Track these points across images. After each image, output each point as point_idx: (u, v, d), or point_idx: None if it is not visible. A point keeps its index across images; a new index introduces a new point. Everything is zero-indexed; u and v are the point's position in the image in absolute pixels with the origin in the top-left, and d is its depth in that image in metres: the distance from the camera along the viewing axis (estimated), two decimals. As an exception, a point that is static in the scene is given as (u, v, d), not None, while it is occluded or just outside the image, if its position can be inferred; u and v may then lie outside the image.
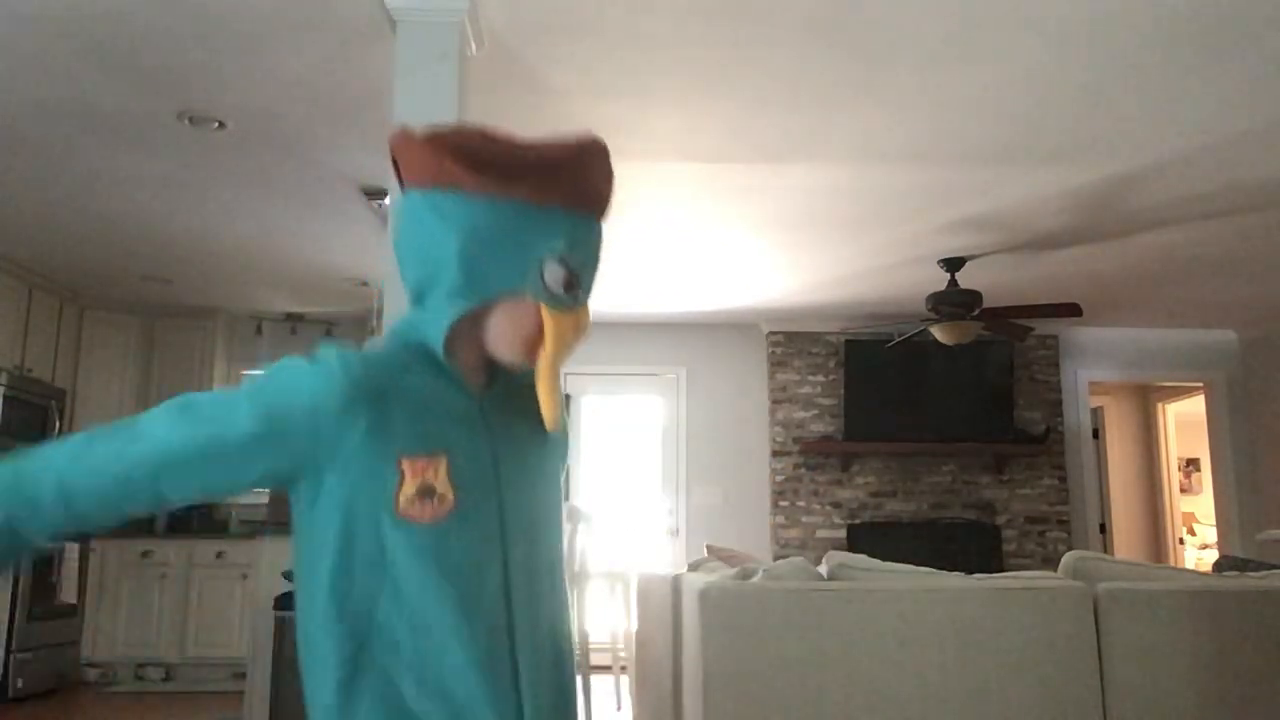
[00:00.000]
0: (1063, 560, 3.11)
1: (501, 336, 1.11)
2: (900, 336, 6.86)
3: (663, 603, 3.80)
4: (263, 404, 1.02)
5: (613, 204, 1.18)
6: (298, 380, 1.02)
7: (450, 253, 1.07)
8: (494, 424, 1.13)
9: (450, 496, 1.05)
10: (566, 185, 1.10)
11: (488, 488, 1.10)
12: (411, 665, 1.03)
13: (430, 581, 1.03)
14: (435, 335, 1.08)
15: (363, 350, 1.07)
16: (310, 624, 1.07)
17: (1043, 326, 7.39)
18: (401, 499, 1.04)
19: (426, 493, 1.04)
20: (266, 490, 4.35)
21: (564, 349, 1.10)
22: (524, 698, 1.08)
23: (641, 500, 7.41)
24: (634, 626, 5.20)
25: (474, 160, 1.07)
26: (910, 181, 4.69)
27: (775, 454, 7.31)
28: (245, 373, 7.46)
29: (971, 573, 3.05)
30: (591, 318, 1.15)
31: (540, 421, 1.14)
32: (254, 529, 4.07)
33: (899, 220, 5.23)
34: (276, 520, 3.94)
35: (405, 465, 1.04)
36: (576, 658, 1.17)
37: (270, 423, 1.01)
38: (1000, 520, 7.28)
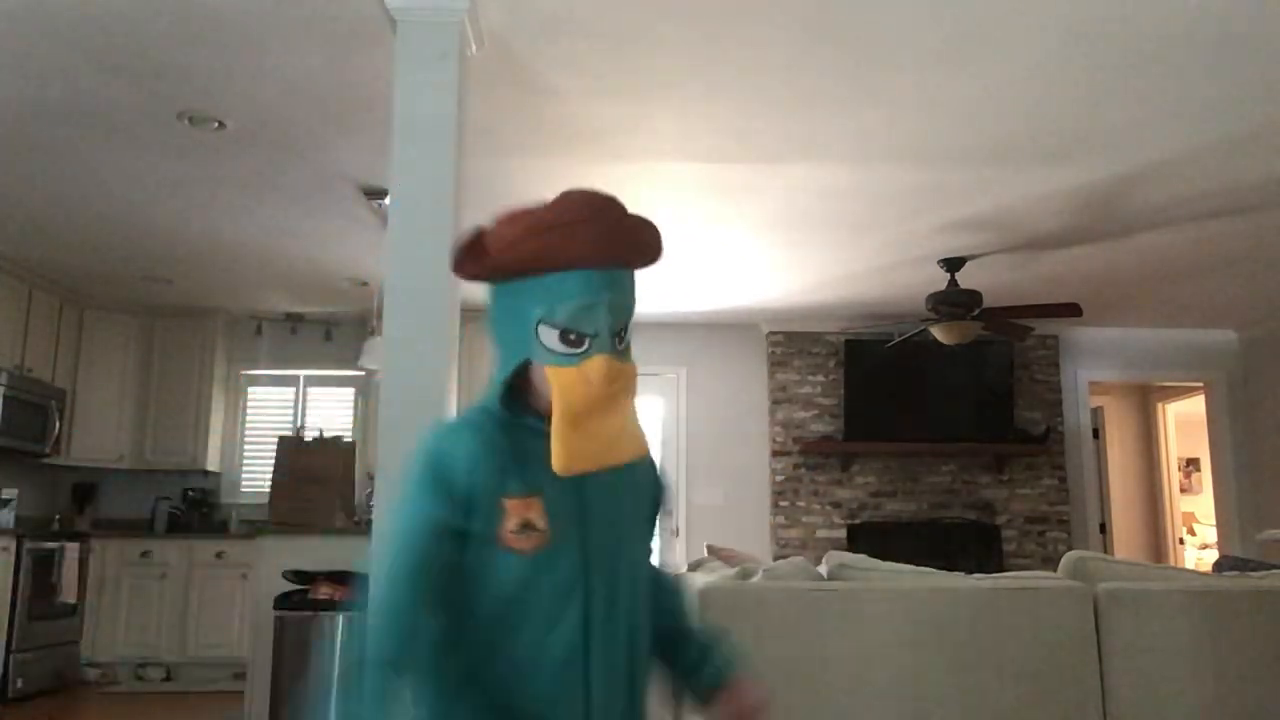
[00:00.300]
0: (1063, 560, 3.11)
1: (541, 398, 1.27)
2: (900, 336, 6.86)
3: (663, 603, 3.79)
4: (433, 490, 1.24)
5: (637, 245, 1.28)
6: (446, 458, 1.25)
7: (489, 334, 1.32)
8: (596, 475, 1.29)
9: (545, 530, 1.24)
10: (568, 249, 1.22)
11: (575, 525, 1.27)
12: (499, 675, 1.25)
13: (524, 602, 1.24)
14: (493, 402, 1.30)
15: (471, 419, 1.29)
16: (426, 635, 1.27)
17: (1043, 326, 7.39)
18: (507, 534, 1.23)
19: (526, 527, 1.24)
20: (267, 490, 4.35)
21: (577, 399, 1.22)
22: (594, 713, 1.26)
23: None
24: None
25: (478, 255, 1.26)
26: (910, 181, 4.69)
27: (775, 454, 7.31)
28: (244, 373, 7.47)
29: (971, 573, 3.05)
30: (631, 368, 1.29)
31: (635, 466, 1.32)
32: (254, 529, 4.07)
33: (899, 220, 5.23)
34: (276, 520, 3.94)
35: (508, 504, 1.23)
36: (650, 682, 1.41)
37: (449, 502, 1.23)
38: (1000, 520, 7.28)
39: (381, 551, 1.26)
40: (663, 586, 1.45)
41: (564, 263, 1.22)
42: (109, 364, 6.94)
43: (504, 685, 1.24)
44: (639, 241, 1.27)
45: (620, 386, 1.24)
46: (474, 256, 1.27)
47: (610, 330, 1.24)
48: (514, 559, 1.24)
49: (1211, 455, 7.76)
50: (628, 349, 1.28)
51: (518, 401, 1.30)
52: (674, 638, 1.44)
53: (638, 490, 1.37)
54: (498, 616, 1.25)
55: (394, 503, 1.30)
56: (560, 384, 1.23)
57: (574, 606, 1.25)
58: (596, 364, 1.22)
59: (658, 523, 1.43)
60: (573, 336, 1.23)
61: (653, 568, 1.42)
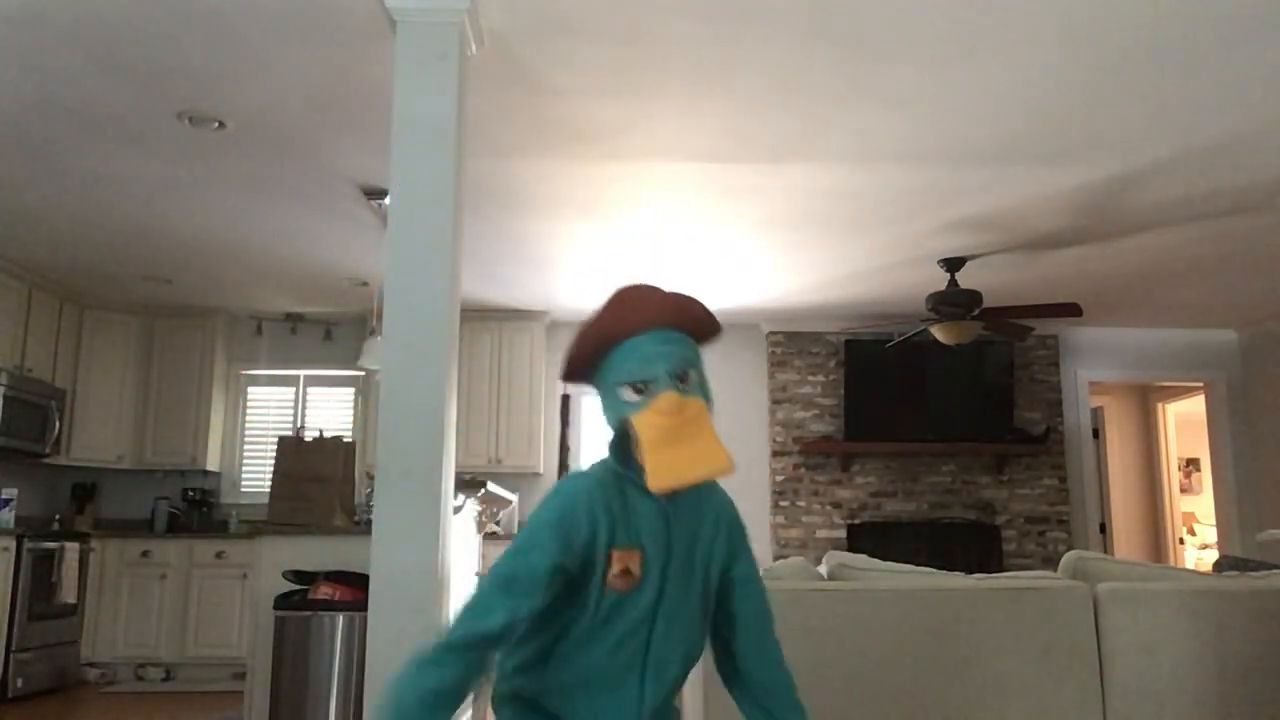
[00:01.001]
0: (1063, 560, 3.11)
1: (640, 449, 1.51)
2: (900, 336, 6.86)
3: (663, 603, 3.79)
4: (557, 535, 1.49)
5: (679, 309, 1.57)
6: (574, 516, 1.50)
7: (603, 418, 1.61)
8: (674, 523, 1.58)
9: (639, 574, 1.53)
10: (622, 326, 1.54)
11: (659, 569, 1.56)
12: (563, 683, 1.55)
13: (605, 631, 1.53)
14: (611, 460, 1.59)
15: (597, 477, 1.56)
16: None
17: (1043, 326, 7.39)
18: (610, 576, 1.52)
19: (625, 573, 1.52)
20: (267, 490, 4.35)
21: (652, 429, 1.48)
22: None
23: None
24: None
25: (570, 362, 1.60)
26: (910, 181, 4.69)
27: (775, 454, 7.31)
28: (244, 372, 7.47)
29: (971, 573, 3.05)
30: (697, 402, 1.55)
31: (706, 517, 1.64)
32: (254, 529, 4.07)
33: (899, 220, 5.23)
34: (276, 520, 3.94)
35: (615, 554, 1.52)
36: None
37: (569, 551, 1.49)
38: (1000, 520, 7.29)
39: (497, 560, 1.51)
40: (764, 629, 1.72)
41: (622, 337, 1.55)
42: (109, 364, 6.94)
43: (564, 692, 1.55)
44: (679, 307, 1.57)
45: (689, 415, 1.49)
46: (569, 365, 1.61)
47: (669, 373, 1.51)
48: (611, 594, 1.52)
49: (1211, 455, 7.76)
50: (695, 388, 1.54)
51: (629, 460, 1.56)
52: (764, 685, 1.72)
53: (712, 544, 1.65)
54: (583, 635, 1.53)
55: (524, 526, 1.54)
56: (640, 423, 1.50)
57: (641, 634, 1.55)
58: (661, 398, 1.49)
59: (751, 561, 1.71)
60: (640, 385, 1.52)
61: (761, 614, 1.71)
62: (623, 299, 1.58)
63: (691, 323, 1.58)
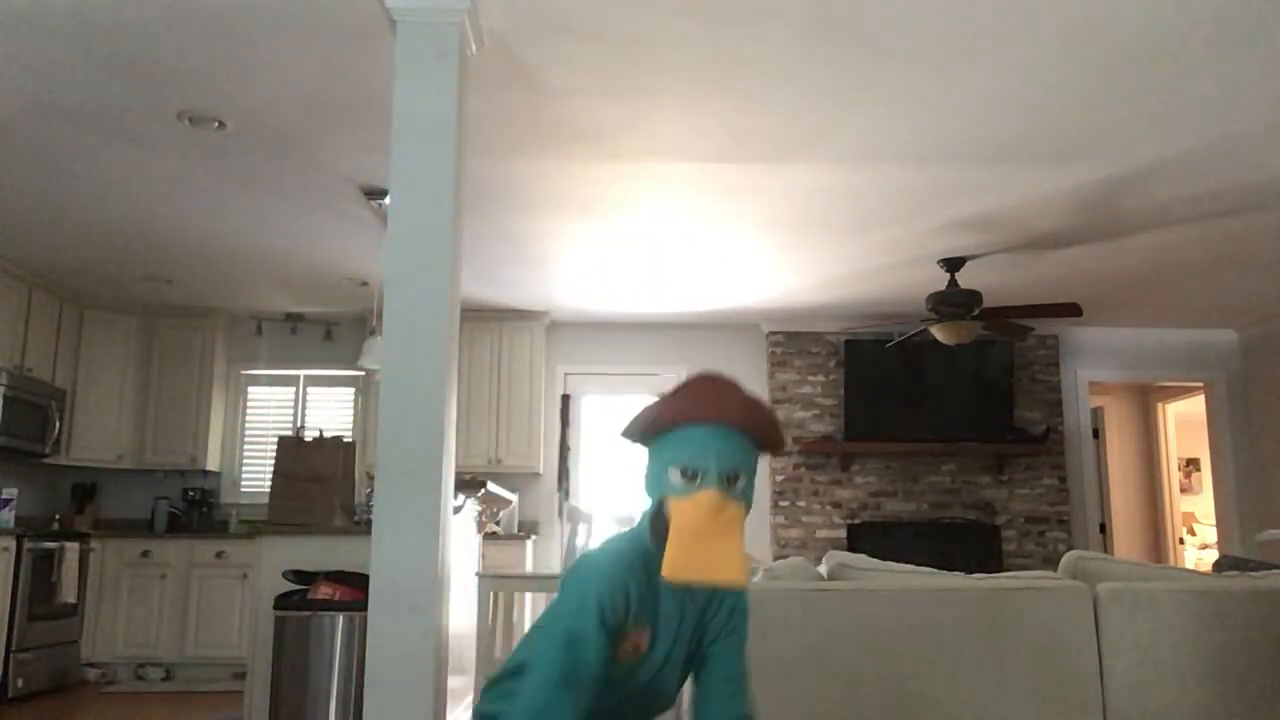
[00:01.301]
0: (1063, 560, 3.11)
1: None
2: (900, 336, 6.86)
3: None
4: (600, 624, 1.57)
5: (742, 409, 1.62)
6: (610, 599, 1.58)
7: (644, 486, 1.70)
8: (688, 606, 1.69)
9: (644, 649, 1.64)
10: (690, 411, 1.61)
11: (665, 641, 1.67)
12: None
13: (607, 683, 1.62)
14: (643, 533, 1.68)
15: (625, 558, 1.63)
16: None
17: (1043, 326, 7.39)
18: (620, 650, 1.61)
19: (634, 648, 1.63)
20: (267, 490, 4.34)
21: (688, 520, 1.54)
22: None
23: (642, 500, 7.40)
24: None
25: (639, 426, 1.68)
26: (910, 181, 4.69)
27: (775, 454, 7.30)
28: (244, 372, 7.47)
29: (971, 573, 3.05)
30: (736, 507, 1.61)
31: (717, 597, 1.73)
32: (254, 529, 4.07)
33: (899, 220, 5.23)
34: (276, 520, 3.94)
35: (630, 634, 1.61)
36: None
37: (605, 631, 1.57)
38: (1000, 520, 7.28)
39: (540, 650, 1.57)
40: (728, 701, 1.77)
41: (686, 421, 1.62)
42: (109, 364, 6.94)
43: None
44: (752, 411, 1.63)
45: (725, 518, 1.54)
46: (637, 428, 1.69)
47: (719, 472, 1.57)
48: (619, 664, 1.62)
49: (1211, 455, 7.76)
50: (739, 493, 1.60)
51: (660, 536, 1.62)
52: None
53: (712, 620, 1.74)
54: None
55: (555, 608, 1.63)
56: (678, 508, 1.57)
57: (630, 684, 1.66)
58: (706, 495, 1.56)
59: (736, 646, 1.77)
60: (689, 472, 1.58)
61: (732, 683, 1.75)
62: (705, 386, 1.66)
63: (759, 429, 1.64)
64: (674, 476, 1.60)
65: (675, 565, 1.51)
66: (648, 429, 1.68)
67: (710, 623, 1.75)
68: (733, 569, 1.51)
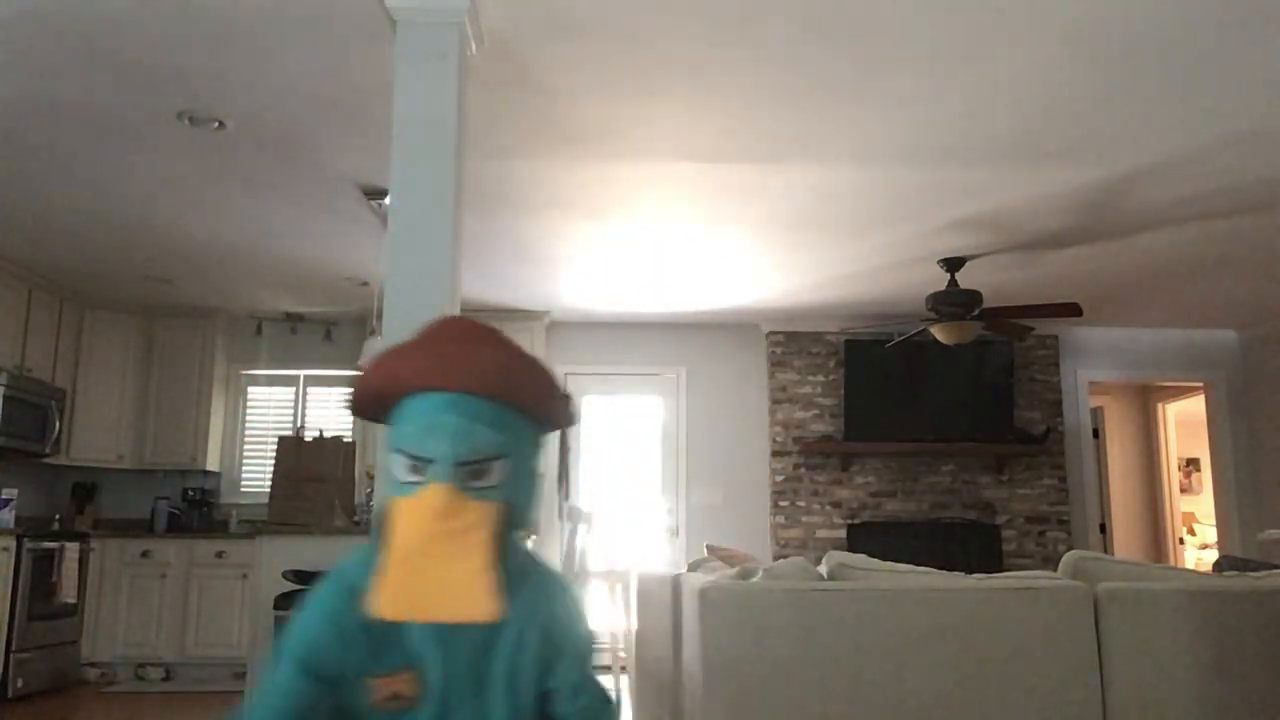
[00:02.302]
0: (1063, 560, 3.11)
1: None
2: (900, 336, 6.86)
3: (662, 603, 3.80)
4: (302, 670, 1.23)
5: (470, 370, 1.17)
6: (313, 647, 1.23)
7: None
8: (451, 637, 1.21)
9: (415, 695, 1.21)
10: (411, 374, 1.18)
11: (439, 691, 1.22)
12: None
13: None
14: (370, 553, 1.23)
15: (333, 601, 1.22)
16: None
17: (1043, 326, 7.40)
18: (376, 701, 1.21)
19: (395, 698, 1.20)
20: (267, 490, 4.35)
21: (406, 530, 1.09)
22: None
23: (641, 500, 7.41)
24: (634, 626, 5.20)
25: (360, 385, 1.26)
26: (910, 181, 4.69)
27: (775, 454, 7.31)
28: (244, 372, 7.47)
29: (971, 573, 3.05)
30: (479, 509, 1.16)
31: (505, 627, 1.23)
32: (254, 529, 4.07)
33: (899, 220, 5.23)
34: (276, 520, 3.94)
35: (375, 684, 1.20)
36: None
37: (316, 681, 1.21)
38: (1000, 520, 7.29)
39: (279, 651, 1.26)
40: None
41: (413, 388, 1.17)
42: (109, 364, 6.94)
43: None
44: (493, 364, 1.17)
45: (458, 527, 1.10)
46: (361, 400, 1.25)
47: (453, 459, 1.12)
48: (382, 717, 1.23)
49: (1211, 455, 7.76)
50: (495, 488, 1.15)
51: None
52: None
53: (516, 657, 1.26)
54: None
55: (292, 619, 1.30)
56: (395, 513, 1.12)
57: None
58: (429, 492, 1.11)
59: (574, 665, 1.33)
60: (416, 463, 1.14)
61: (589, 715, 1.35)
62: (439, 337, 1.21)
63: (525, 395, 1.19)
64: (400, 469, 1.15)
65: (388, 598, 1.09)
66: (377, 400, 1.22)
67: (518, 658, 1.25)
68: (466, 602, 1.08)
